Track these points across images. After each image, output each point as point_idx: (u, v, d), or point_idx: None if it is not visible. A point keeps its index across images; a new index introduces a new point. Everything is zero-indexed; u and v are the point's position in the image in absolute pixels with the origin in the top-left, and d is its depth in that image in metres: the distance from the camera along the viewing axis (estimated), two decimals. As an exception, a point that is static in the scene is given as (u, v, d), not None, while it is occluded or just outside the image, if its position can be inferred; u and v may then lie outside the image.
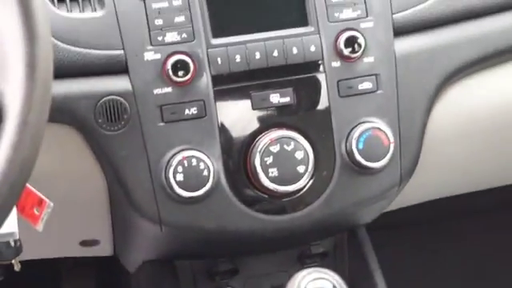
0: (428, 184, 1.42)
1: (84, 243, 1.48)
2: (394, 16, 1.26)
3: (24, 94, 0.90)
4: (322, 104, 1.24)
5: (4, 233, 1.05)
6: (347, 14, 1.23)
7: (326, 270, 1.22)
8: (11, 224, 1.07)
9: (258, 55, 1.21)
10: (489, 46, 1.30)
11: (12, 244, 1.17)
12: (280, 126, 1.23)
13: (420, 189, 1.39)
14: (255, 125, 1.23)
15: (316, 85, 1.23)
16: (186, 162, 1.19)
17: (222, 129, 1.22)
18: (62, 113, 1.17)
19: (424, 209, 1.57)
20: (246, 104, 1.22)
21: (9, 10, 0.92)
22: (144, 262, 1.46)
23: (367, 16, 1.24)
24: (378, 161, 1.24)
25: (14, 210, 1.08)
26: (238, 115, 1.22)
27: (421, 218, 1.80)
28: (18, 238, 1.10)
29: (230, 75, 1.21)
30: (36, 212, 1.13)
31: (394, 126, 1.25)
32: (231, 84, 1.22)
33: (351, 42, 1.23)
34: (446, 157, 1.39)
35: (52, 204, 1.13)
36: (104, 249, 1.51)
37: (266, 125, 1.23)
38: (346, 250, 1.48)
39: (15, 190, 0.90)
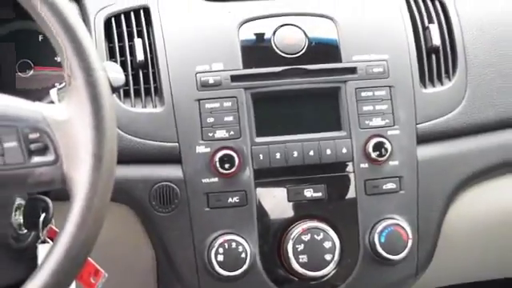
0: (443, 272, 1.50)
1: (130, 309, 1.59)
2: (417, 126, 1.37)
3: (90, 182, 1.01)
4: (350, 200, 1.35)
5: (63, 298, 1.16)
6: (376, 122, 1.35)
7: None
8: (70, 290, 1.17)
9: (295, 154, 1.33)
10: (502, 156, 1.40)
11: (68, 309, 1.28)
12: (311, 217, 1.34)
13: (435, 276, 1.47)
14: (290, 215, 1.34)
15: (346, 183, 1.35)
16: (226, 244, 1.31)
17: (260, 217, 1.33)
18: (121, 194, 1.28)
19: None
20: (282, 196, 1.34)
21: (83, 106, 1.03)
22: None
23: (394, 125, 1.35)
24: (398, 254, 1.35)
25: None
26: (274, 206, 1.34)
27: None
28: (75, 303, 1.21)
29: (270, 170, 1.33)
30: (92, 281, 1.22)
31: (413, 223, 1.36)
32: (271, 178, 1.34)
33: (379, 146, 1.34)
34: (460, 249, 1.48)
35: (107, 275, 1.23)
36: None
37: (299, 215, 1.34)
38: None
39: (77, 263, 1.02)
